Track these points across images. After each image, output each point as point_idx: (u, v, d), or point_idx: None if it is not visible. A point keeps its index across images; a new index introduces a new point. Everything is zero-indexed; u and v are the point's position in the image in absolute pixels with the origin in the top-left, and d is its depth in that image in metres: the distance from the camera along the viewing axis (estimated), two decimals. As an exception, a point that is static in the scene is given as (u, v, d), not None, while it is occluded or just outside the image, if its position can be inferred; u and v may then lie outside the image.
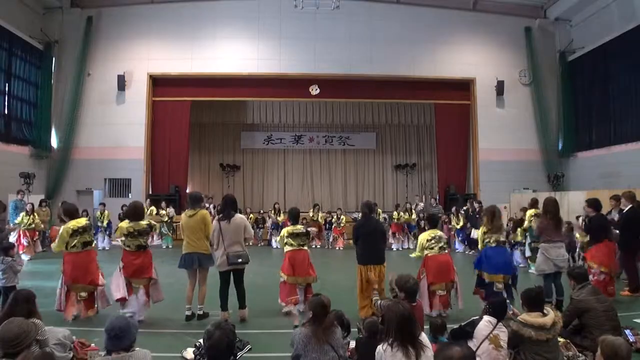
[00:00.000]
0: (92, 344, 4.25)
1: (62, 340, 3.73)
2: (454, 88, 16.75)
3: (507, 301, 4.67)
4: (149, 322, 5.66)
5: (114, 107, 15.66)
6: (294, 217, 6.53)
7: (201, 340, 3.16)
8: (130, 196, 15.12)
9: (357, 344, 3.86)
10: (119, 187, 15.86)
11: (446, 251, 6.28)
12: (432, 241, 6.16)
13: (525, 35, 16.65)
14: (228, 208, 5.79)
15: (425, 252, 6.19)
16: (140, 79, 15.75)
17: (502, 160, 16.04)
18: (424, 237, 6.29)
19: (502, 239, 6.17)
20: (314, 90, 16.27)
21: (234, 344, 2.87)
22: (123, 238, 5.77)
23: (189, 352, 4.38)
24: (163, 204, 14.31)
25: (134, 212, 5.91)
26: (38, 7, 15.15)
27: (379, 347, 3.17)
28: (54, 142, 15.39)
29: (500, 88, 16.36)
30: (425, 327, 4.28)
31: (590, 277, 6.16)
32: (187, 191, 16.57)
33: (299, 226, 6.45)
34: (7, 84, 13.68)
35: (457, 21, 16.51)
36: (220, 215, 5.83)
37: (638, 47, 12.87)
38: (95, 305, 5.82)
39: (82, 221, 5.88)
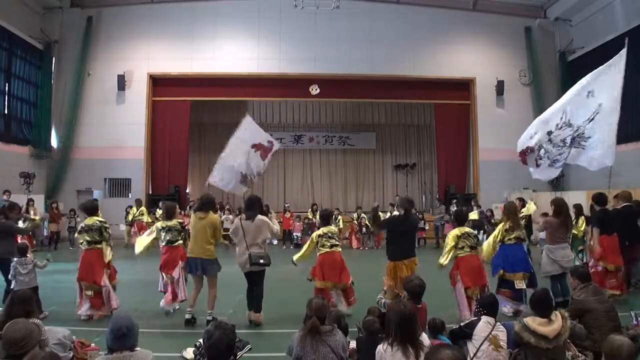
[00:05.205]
0: (92, 344, 4.24)
1: (62, 340, 3.72)
2: (454, 88, 16.75)
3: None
4: (149, 322, 5.65)
5: (114, 107, 15.66)
6: (324, 219, 6.35)
7: (201, 340, 3.16)
8: (130, 196, 15.13)
9: (358, 343, 3.85)
10: (119, 187, 15.85)
11: (477, 251, 5.75)
12: (462, 238, 5.63)
13: (525, 35, 16.66)
14: (254, 208, 5.71)
15: (457, 252, 5.65)
16: (140, 78, 15.76)
17: (502, 160, 15.91)
18: (452, 235, 5.69)
19: (522, 236, 6.06)
20: (314, 90, 16.26)
21: (234, 344, 2.86)
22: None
23: (189, 352, 4.37)
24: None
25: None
26: (38, 7, 15.15)
27: (379, 347, 3.16)
28: (54, 142, 15.39)
29: (500, 88, 16.35)
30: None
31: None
32: (187, 191, 16.62)
33: (332, 227, 6.20)
34: (7, 84, 13.69)
35: (457, 21, 16.51)
36: (244, 214, 5.72)
37: (638, 47, 12.84)
38: (104, 307, 5.86)
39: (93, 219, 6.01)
